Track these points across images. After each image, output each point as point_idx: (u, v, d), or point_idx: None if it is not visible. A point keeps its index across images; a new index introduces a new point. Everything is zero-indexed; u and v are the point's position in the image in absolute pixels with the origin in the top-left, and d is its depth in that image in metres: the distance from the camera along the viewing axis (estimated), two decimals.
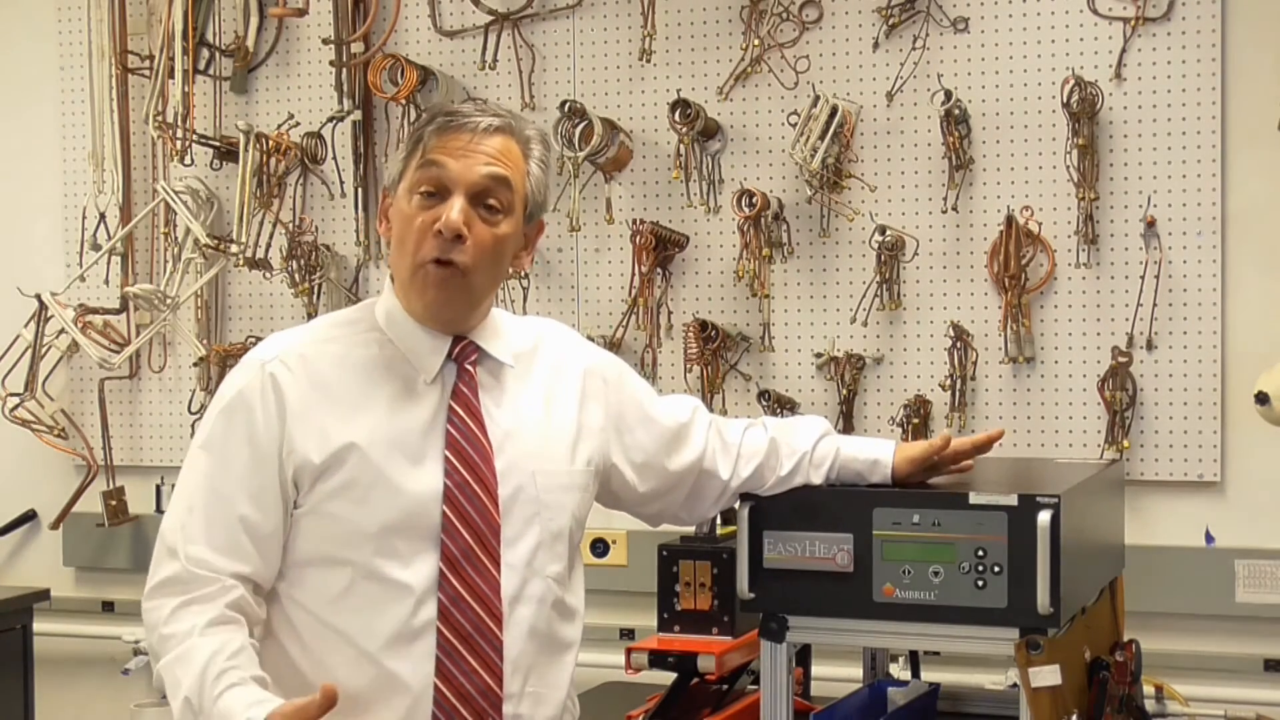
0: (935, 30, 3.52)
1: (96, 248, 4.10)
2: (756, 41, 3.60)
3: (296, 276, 3.90)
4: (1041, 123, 3.44)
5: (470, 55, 3.86)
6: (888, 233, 3.50)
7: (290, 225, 3.93)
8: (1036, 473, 2.70)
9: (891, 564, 2.38)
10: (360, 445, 2.12)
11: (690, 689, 2.78)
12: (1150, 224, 3.36)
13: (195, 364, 4.04)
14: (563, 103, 3.68)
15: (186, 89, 3.94)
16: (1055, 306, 3.45)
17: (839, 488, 2.45)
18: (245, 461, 2.12)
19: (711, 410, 2.61)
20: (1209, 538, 3.39)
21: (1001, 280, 3.43)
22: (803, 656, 2.86)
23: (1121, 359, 3.36)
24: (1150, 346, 3.37)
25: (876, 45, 3.56)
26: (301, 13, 3.89)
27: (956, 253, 3.51)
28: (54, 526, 4.18)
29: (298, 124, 3.94)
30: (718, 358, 3.62)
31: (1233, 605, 3.35)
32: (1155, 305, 3.36)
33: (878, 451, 2.46)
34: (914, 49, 3.52)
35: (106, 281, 4.13)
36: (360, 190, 3.93)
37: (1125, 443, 3.36)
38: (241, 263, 3.90)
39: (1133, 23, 3.38)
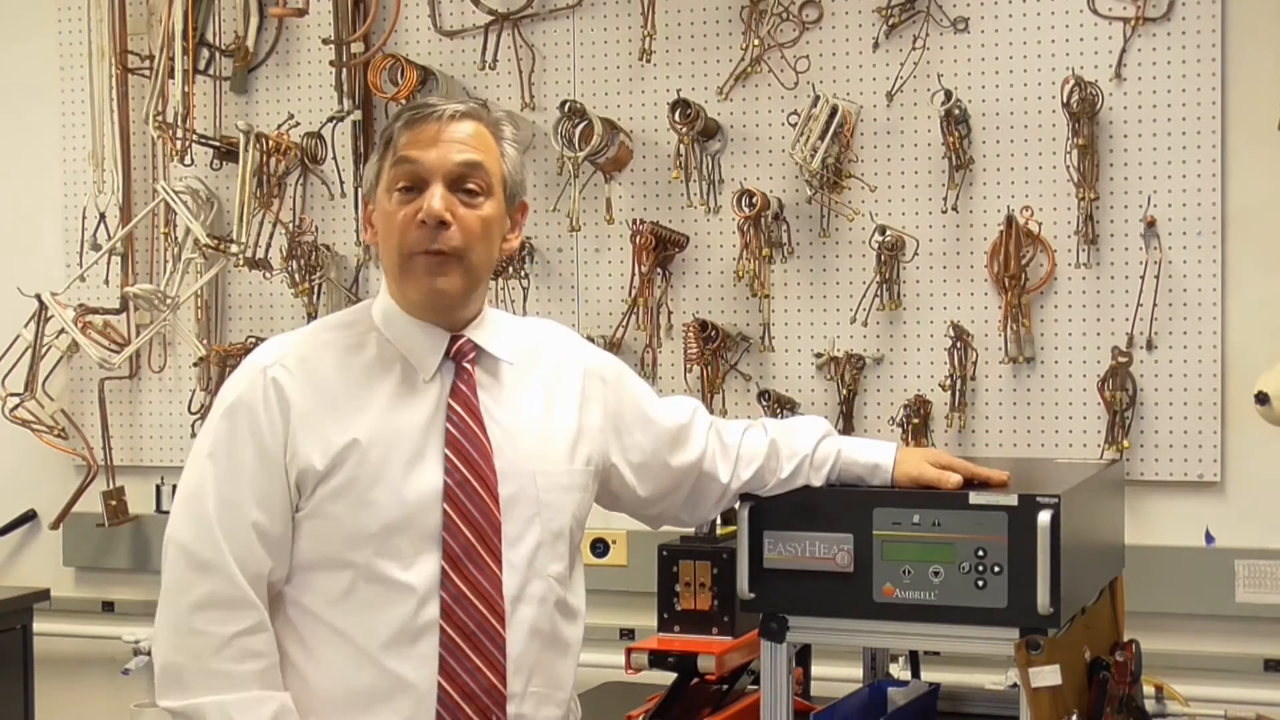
0: (935, 30, 3.52)
1: (96, 248, 4.10)
2: (756, 41, 3.60)
3: (296, 276, 3.90)
4: (1041, 123, 3.44)
5: (470, 55, 3.86)
6: (888, 233, 3.50)
7: (290, 225, 3.93)
8: (1036, 473, 2.70)
9: (891, 564, 2.38)
10: (361, 442, 2.13)
11: (690, 689, 2.78)
12: (1150, 224, 3.36)
13: (195, 364, 4.04)
14: (563, 103, 3.68)
15: (186, 89, 3.94)
16: (1055, 306, 3.45)
17: (839, 488, 2.45)
18: (253, 467, 2.12)
19: (711, 411, 2.62)
20: (1209, 538, 3.39)
21: (1001, 280, 3.43)
22: (803, 656, 2.86)
23: (1121, 359, 3.36)
24: (1150, 346, 3.38)
25: (876, 45, 3.56)
26: (301, 13, 3.89)
27: (956, 253, 3.51)
28: (54, 526, 4.18)
29: (298, 124, 3.94)
30: (718, 358, 3.62)
31: (1233, 605, 3.35)
32: (1155, 305, 3.36)
33: (879, 456, 2.46)
34: (914, 49, 3.52)
35: (106, 281, 4.13)
36: (360, 190, 3.93)
37: (1125, 443, 3.36)
38: (241, 263, 3.90)
39: (1133, 23, 3.38)
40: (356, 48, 3.92)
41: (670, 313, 3.70)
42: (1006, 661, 2.58)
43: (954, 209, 3.49)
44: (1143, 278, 3.37)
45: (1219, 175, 3.34)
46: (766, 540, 2.44)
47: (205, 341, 4.03)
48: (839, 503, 2.42)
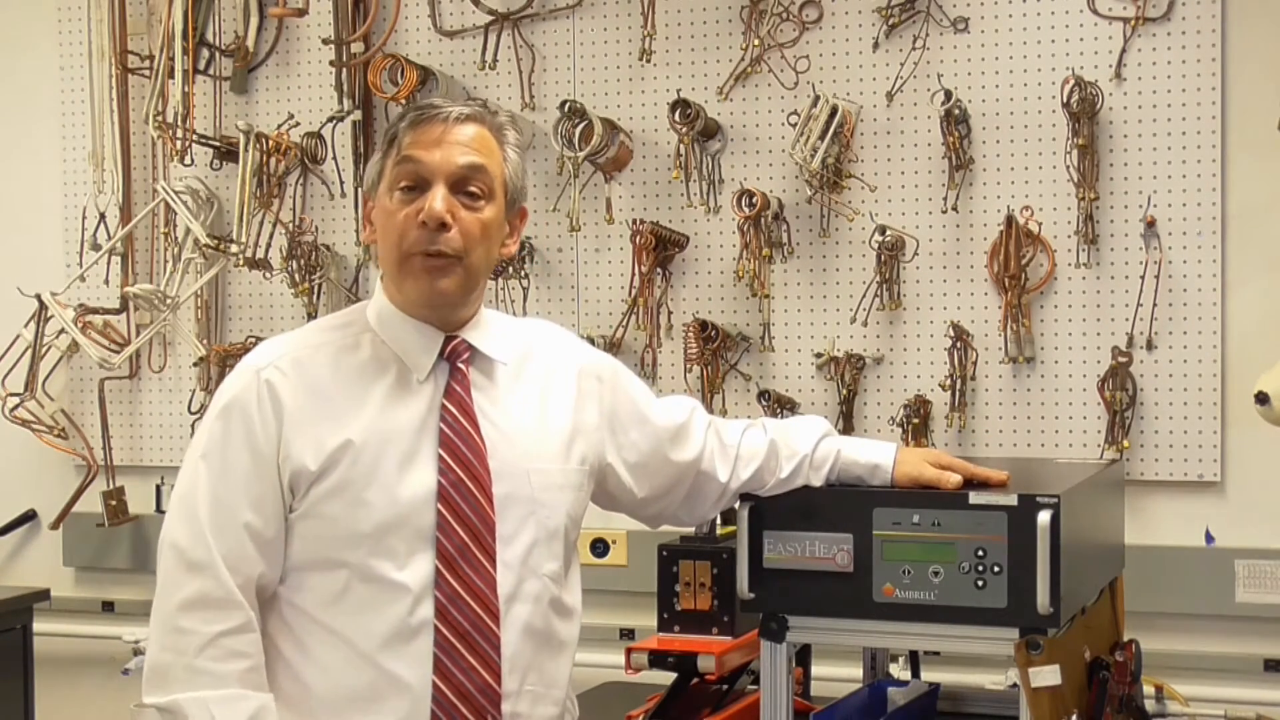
0: (935, 30, 3.51)
1: (96, 248, 4.10)
2: (756, 41, 3.60)
3: (296, 276, 3.90)
4: (1041, 123, 3.44)
5: (470, 55, 3.86)
6: (888, 233, 3.50)
7: (290, 225, 3.93)
8: (1036, 473, 2.70)
9: (891, 564, 2.38)
10: (355, 442, 2.13)
11: (690, 689, 2.78)
12: (1150, 224, 3.36)
13: (195, 364, 4.04)
14: (563, 103, 3.68)
15: (186, 89, 3.93)
16: (1055, 306, 3.45)
17: (839, 488, 2.45)
18: (246, 469, 2.12)
19: (711, 410, 2.62)
20: (1209, 538, 3.39)
21: (1001, 280, 3.43)
22: (803, 656, 2.86)
23: (1121, 359, 3.36)
24: (1150, 346, 3.37)
25: (876, 45, 3.56)
26: (301, 13, 3.89)
27: (956, 253, 3.51)
28: (54, 526, 4.18)
29: (298, 124, 3.94)
30: (718, 358, 3.62)
31: (1233, 605, 3.35)
32: (1155, 305, 3.36)
33: (879, 456, 2.46)
34: (914, 49, 3.52)
35: (106, 281, 4.13)
36: (360, 190, 3.93)
37: (1125, 443, 3.36)
38: (241, 263, 3.90)
39: (1133, 23, 3.37)
40: (356, 48, 3.92)
41: (670, 313, 3.69)
42: (1006, 661, 2.57)
43: (954, 209, 3.49)
44: (1143, 278, 3.37)
45: (1219, 175, 3.34)
46: (766, 540, 2.44)
47: (205, 341, 4.03)
48: (839, 503, 2.42)
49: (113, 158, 4.12)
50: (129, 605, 4.12)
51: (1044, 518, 2.30)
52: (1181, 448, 3.37)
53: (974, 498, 2.36)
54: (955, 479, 2.40)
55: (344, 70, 3.92)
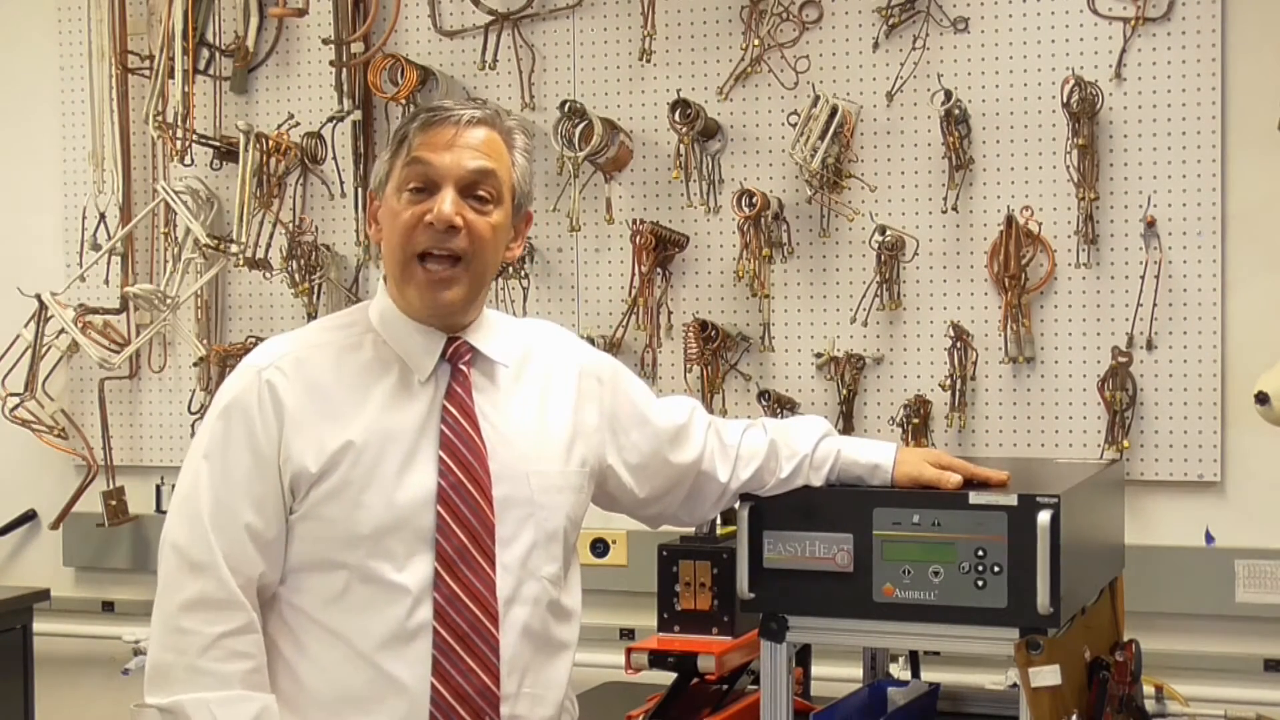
0: (935, 30, 3.51)
1: (96, 248, 4.10)
2: (756, 41, 3.60)
3: (296, 276, 3.90)
4: (1041, 123, 3.44)
5: (470, 55, 3.86)
6: (888, 233, 3.50)
7: (290, 225, 3.93)
8: (1036, 473, 2.70)
9: (891, 564, 2.38)
10: (355, 443, 2.13)
11: (690, 689, 2.78)
12: (1150, 224, 3.36)
13: (195, 364, 4.04)
14: (563, 103, 3.68)
15: (186, 89, 3.94)
16: (1055, 306, 3.45)
17: (839, 488, 2.45)
18: (247, 469, 2.12)
19: (711, 410, 2.62)
20: (1209, 538, 3.38)
21: (1001, 280, 3.43)
22: (803, 656, 2.86)
23: (1121, 359, 3.36)
24: (1150, 346, 3.37)
25: (876, 45, 3.56)
26: (301, 13, 3.89)
27: (956, 253, 3.51)
28: (54, 526, 4.18)
29: (298, 124, 3.94)
30: (718, 358, 3.62)
31: (1233, 605, 3.35)
32: (1155, 305, 3.36)
33: (879, 456, 2.46)
34: (914, 49, 3.52)
35: (106, 281, 4.13)
36: (360, 190, 3.93)
37: (1125, 443, 3.36)
38: (241, 263, 3.90)
39: (1133, 23, 3.37)
40: (356, 48, 3.92)
41: (670, 313, 3.69)
42: (1006, 661, 2.57)
43: (954, 209, 3.49)
44: (1143, 278, 3.37)
45: (1219, 175, 3.34)
46: (766, 540, 2.44)
47: (205, 341, 4.03)
48: (839, 503, 2.42)
49: (113, 158, 4.12)
50: (129, 605, 4.12)
51: (1044, 518, 2.30)
52: (1181, 448, 3.37)
53: (974, 498, 2.36)
54: (955, 479, 2.40)
55: (344, 70, 3.92)
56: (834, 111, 3.47)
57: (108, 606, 4.20)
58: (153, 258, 4.13)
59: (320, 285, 3.92)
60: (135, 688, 4.03)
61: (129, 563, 4.15)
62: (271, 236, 3.94)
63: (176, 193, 3.97)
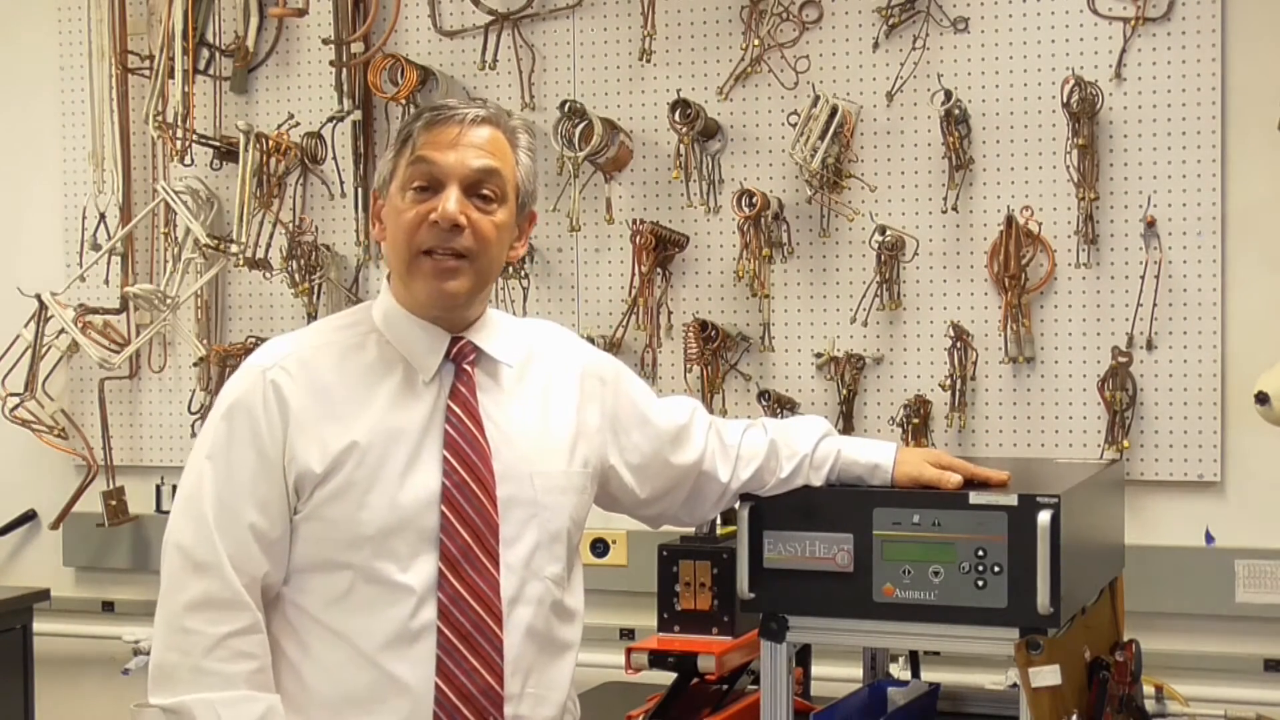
0: (935, 30, 3.51)
1: (96, 248, 4.10)
2: (756, 41, 3.60)
3: (296, 276, 3.90)
4: (1041, 123, 3.44)
5: (470, 55, 3.86)
6: (888, 233, 3.50)
7: (290, 225, 3.93)
8: (1036, 473, 2.70)
9: (891, 564, 2.38)
10: (360, 444, 2.13)
11: (690, 689, 2.78)
12: (1150, 224, 3.36)
13: (195, 364, 4.04)
14: (563, 103, 3.68)
15: (186, 89, 3.93)
16: (1055, 306, 3.45)
17: (839, 488, 2.45)
18: (251, 469, 2.12)
19: (711, 410, 2.62)
20: (1209, 538, 3.39)
21: (1001, 280, 3.43)
22: (803, 656, 2.86)
23: (1121, 359, 3.36)
24: (1150, 346, 3.37)
25: (876, 45, 3.56)
26: (301, 13, 3.89)
27: (956, 253, 3.51)
28: (54, 526, 4.18)
29: (298, 124, 3.94)
30: (718, 358, 3.62)
31: (1233, 605, 3.35)
32: (1155, 305, 3.36)
33: (879, 456, 2.46)
34: (914, 49, 3.52)
35: (106, 281, 4.13)
36: (360, 190, 3.93)
37: (1125, 443, 3.36)
38: (241, 263, 3.90)
39: (1133, 23, 3.38)
40: (356, 48, 3.92)
41: (670, 313, 3.70)
42: (1006, 661, 2.57)
43: (954, 209, 3.49)
44: (1143, 278, 3.37)
45: (1219, 175, 3.34)
46: (766, 540, 2.44)
47: (205, 341, 4.03)
48: (839, 503, 2.42)
49: (113, 158, 4.12)
50: (129, 605, 4.12)
51: (1044, 518, 2.30)
52: (1181, 448, 3.37)
53: (974, 498, 2.36)
54: (955, 479, 2.40)
55: (344, 70, 3.92)
56: (834, 111, 3.47)
57: (108, 606, 4.20)
58: (153, 258, 4.13)
59: (320, 285, 3.92)
60: (135, 688, 4.05)
61: (129, 563, 4.15)
62: (271, 236, 3.94)
63: (176, 193, 3.97)
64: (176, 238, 4.00)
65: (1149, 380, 3.38)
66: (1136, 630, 2.83)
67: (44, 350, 4.05)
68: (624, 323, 3.71)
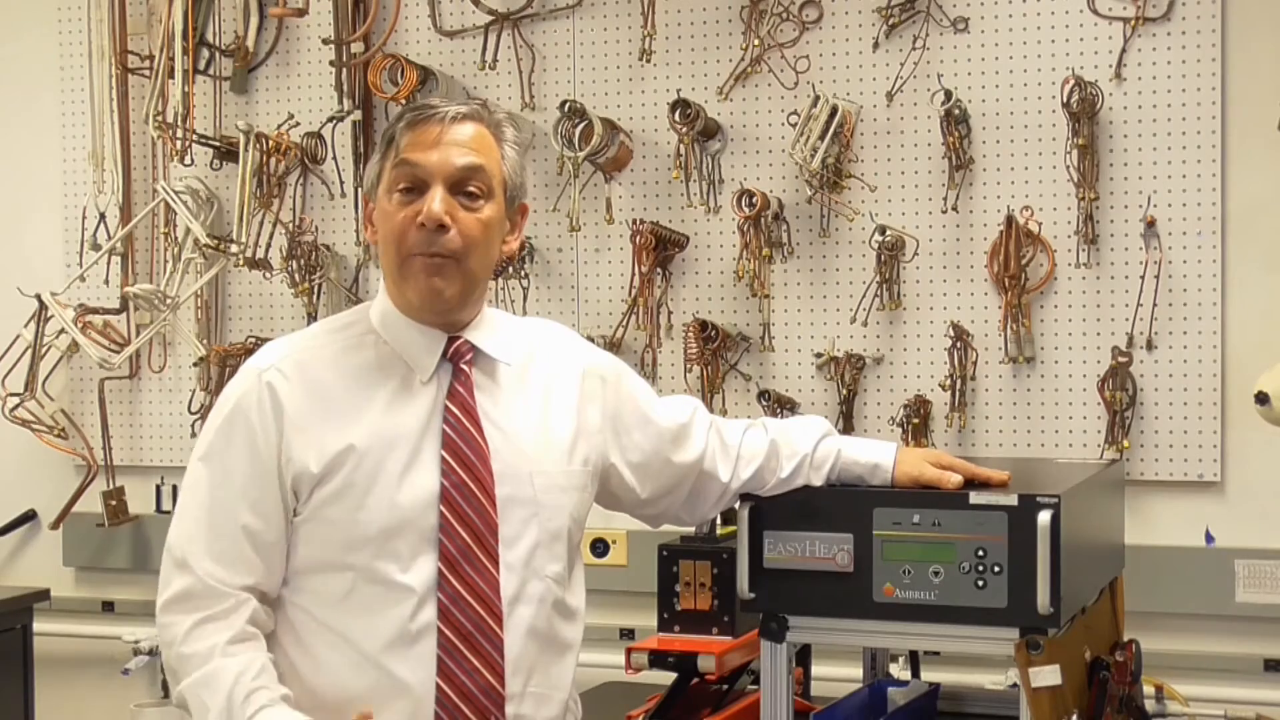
0: (935, 30, 3.52)
1: (96, 248, 4.10)
2: (756, 41, 3.60)
3: (296, 276, 3.90)
4: (1041, 123, 3.44)
5: (470, 55, 3.86)
6: (888, 233, 3.50)
7: (290, 225, 3.93)
8: (1036, 473, 2.70)
9: (891, 564, 2.38)
10: (357, 447, 2.13)
11: (690, 689, 2.77)
12: (1150, 224, 3.36)
13: (195, 364, 4.04)
14: (563, 103, 3.68)
15: (186, 89, 3.94)
16: (1055, 306, 3.45)
17: (839, 488, 2.45)
18: (245, 471, 2.12)
19: (711, 410, 2.62)
20: (1209, 538, 3.39)
21: (1001, 280, 3.43)
22: (803, 656, 2.86)
23: (1121, 359, 3.36)
24: (1150, 346, 3.37)
25: (876, 45, 3.56)
26: (301, 13, 3.89)
27: (956, 253, 3.51)
28: (54, 526, 4.18)
29: (298, 124, 3.94)
30: (718, 358, 3.62)
31: (1233, 605, 3.35)
32: (1155, 305, 3.36)
33: (879, 456, 2.45)
34: (914, 49, 3.52)
35: (106, 281, 4.13)
36: (360, 190, 3.93)
37: (1125, 443, 3.36)
38: (241, 263, 3.90)
39: (1133, 23, 3.38)
40: (356, 48, 3.92)
41: (670, 313, 3.70)
42: (1006, 661, 2.57)
43: (954, 209, 3.49)
44: (1143, 278, 3.37)
45: (1219, 175, 3.34)
46: (766, 540, 2.44)
47: (205, 341, 4.03)
48: (839, 503, 2.42)
49: (113, 158, 4.12)
50: (129, 605, 4.12)
51: (1044, 518, 2.29)
52: (1181, 448, 3.37)
53: (974, 498, 2.36)
54: (956, 479, 2.40)
55: (344, 70, 3.92)
56: (834, 111, 3.47)
57: (108, 606, 4.20)
58: (153, 258, 4.13)
59: (320, 285, 3.92)
60: (135, 688, 4.06)
61: (129, 563, 4.15)
62: (271, 236, 3.94)
63: (176, 193, 3.97)
64: (176, 238, 4.00)
65: (1149, 380, 3.38)
66: (1136, 630, 2.83)
67: (44, 350, 4.04)
68: (624, 323, 3.71)
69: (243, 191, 3.85)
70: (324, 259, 3.92)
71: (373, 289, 3.93)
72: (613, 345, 3.68)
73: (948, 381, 3.47)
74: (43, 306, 4.01)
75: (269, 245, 3.94)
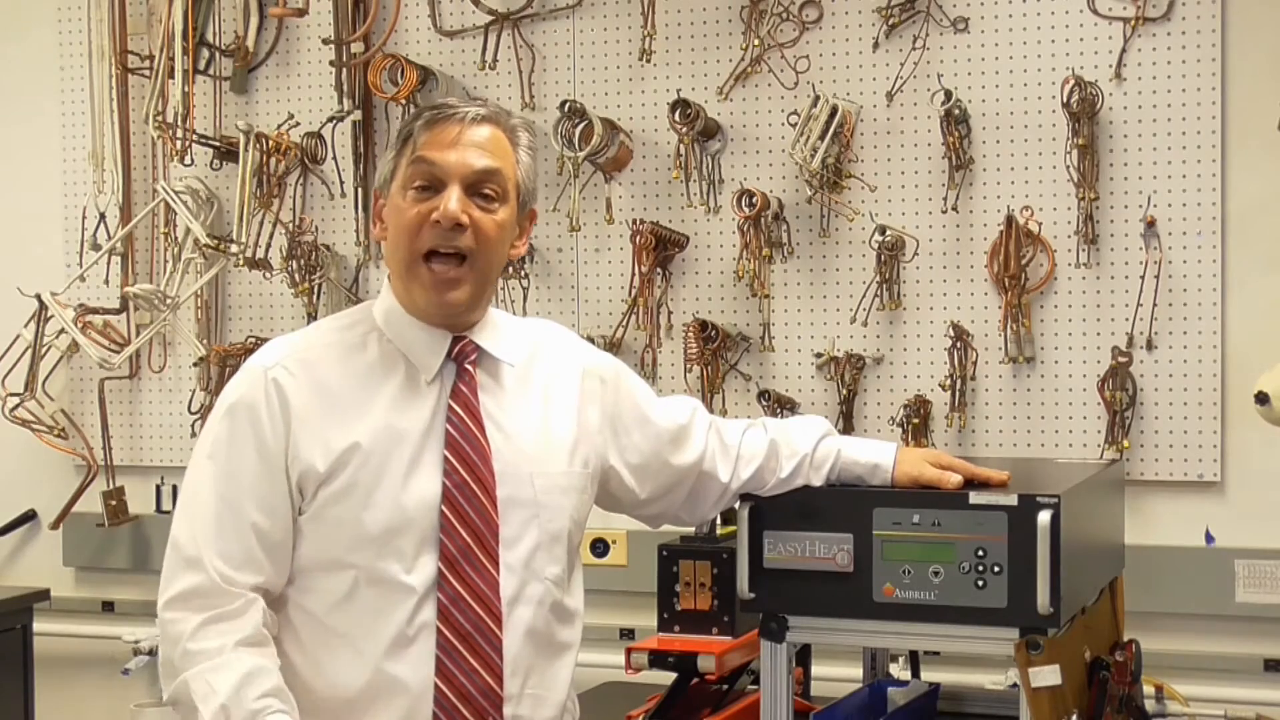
0: (935, 30, 3.51)
1: (96, 248, 4.10)
2: (756, 41, 3.60)
3: (296, 276, 3.90)
4: (1041, 123, 3.44)
5: (470, 55, 3.86)
6: (888, 233, 3.50)
7: (290, 225, 3.93)
8: (1036, 473, 2.70)
9: (891, 564, 2.38)
10: (363, 445, 2.13)
11: (690, 689, 2.77)
12: (1150, 224, 3.36)
13: (195, 364, 4.04)
14: (563, 103, 3.68)
15: (186, 89, 3.94)
16: (1055, 306, 3.45)
17: (839, 488, 2.45)
18: (253, 469, 2.12)
19: (711, 410, 2.62)
20: (1209, 538, 3.39)
21: (1001, 280, 3.43)
22: (803, 656, 2.86)
23: (1121, 359, 3.36)
24: (1150, 346, 3.37)
25: (876, 45, 3.56)
26: (301, 13, 3.89)
27: (956, 253, 3.51)
28: (54, 526, 4.18)
29: (298, 124, 3.94)
30: (718, 358, 3.62)
31: (1233, 605, 3.35)
32: (1155, 305, 3.36)
33: (879, 456, 2.45)
34: (914, 49, 3.52)
35: (106, 281, 4.13)
36: (360, 190, 3.93)
37: (1125, 443, 3.36)
38: (241, 263, 3.90)
39: (1133, 23, 3.38)
40: (356, 48, 3.92)
41: (670, 313, 3.70)
42: (1006, 661, 2.57)
43: (954, 209, 3.49)
44: (1143, 278, 3.37)
45: (1219, 175, 3.34)
46: (766, 540, 2.44)
47: (205, 341, 4.03)
48: (839, 503, 2.42)
49: (113, 158, 4.12)
50: (129, 605, 4.12)
51: (1044, 518, 2.30)
52: (1181, 448, 3.37)
53: (974, 498, 2.36)
54: (956, 479, 2.40)
55: (344, 70, 3.92)
56: (834, 111, 3.47)
57: (108, 606, 4.19)
58: (153, 258, 4.13)
59: (320, 285, 3.92)
60: (135, 688, 4.06)
61: (129, 563, 4.15)
62: (271, 236, 3.94)
63: (176, 193, 3.97)
64: (176, 238, 4.00)
65: (1149, 380, 3.38)
66: (1136, 630, 2.83)
67: (44, 350, 4.05)
68: (624, 323, 3.71)
69: (243, 191, 3.85)
70: (324, 259, 3.92)
71: (373, 289, 3.93)
72: (613, 345, 3.68)
73: (948, 381, 3.47)
74: (43, 306, 4.01)
75: (269, 245, 3.94)
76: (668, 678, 2.77)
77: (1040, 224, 3.44)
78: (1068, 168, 3.39)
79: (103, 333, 4.09)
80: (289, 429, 2.12)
